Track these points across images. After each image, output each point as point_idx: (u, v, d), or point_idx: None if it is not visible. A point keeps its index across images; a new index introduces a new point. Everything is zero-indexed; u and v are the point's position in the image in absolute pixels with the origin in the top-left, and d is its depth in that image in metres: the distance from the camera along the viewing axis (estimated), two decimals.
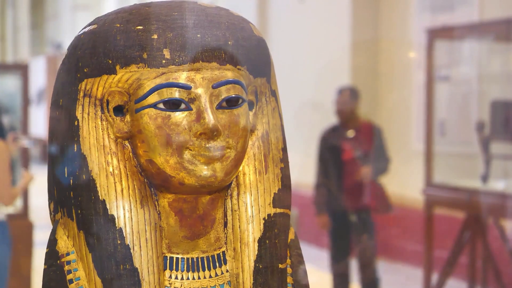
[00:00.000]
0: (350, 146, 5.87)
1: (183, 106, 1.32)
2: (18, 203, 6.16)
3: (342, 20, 8.82)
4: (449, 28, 6.86)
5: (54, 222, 1.40)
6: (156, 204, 1.37)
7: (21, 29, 23.48)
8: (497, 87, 7.11)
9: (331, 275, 6.10)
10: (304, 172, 7.28)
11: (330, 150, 5.94)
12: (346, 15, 8.78)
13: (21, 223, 5.98)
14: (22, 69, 6.74)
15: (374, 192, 5.92)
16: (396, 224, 7.39)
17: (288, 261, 1.46)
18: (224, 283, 1.40)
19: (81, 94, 1.35)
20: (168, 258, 1.38)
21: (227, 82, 1.34)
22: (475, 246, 6.03)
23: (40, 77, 17.05)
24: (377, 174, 5.91)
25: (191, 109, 1.32)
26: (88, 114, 1.35)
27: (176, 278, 1.38)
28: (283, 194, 1.44)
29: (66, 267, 1.35)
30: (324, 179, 5.97)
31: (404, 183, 6.19)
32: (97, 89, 1.35)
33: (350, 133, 5.92)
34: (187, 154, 1.32)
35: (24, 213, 6.25)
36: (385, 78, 8.58)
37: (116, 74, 1.33)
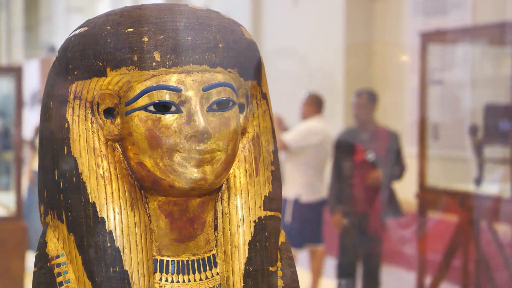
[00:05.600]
0: (362, 149, 5.88)
1: (173, 108, 1.31)
2: (12, 205, 6.14)
3: (335, 22, 8.83)
4: (442, 31, 6.87)
5: (44, 224, 1.40)
6: (146, 206, 1.37)
7: (15, 32, 23.43)
8: (490, 91, 7.13)
9: (336, 278, 6.10)
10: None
11: (345, 151, 5.95)
12: (340, 18, 8.79)
13: (14, 226, 5.96)
14: (15, 72, 6.70)
15: (384, 196, 5.93)
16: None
17: (279, 264, 1.45)
18: (214, 286, 1.40)
19: (72, 96, 1.35)
20: (158, 260, 1.37)
21: (218, 85, 1.33)
22: (468, 249, 6.04)
23: (34, 79, 17.00)
24: (390, 180, 5.92)
25: (182, 112, 1.31)
26: (79, 116, 1.35)
27: (166, 280, 1.37)
28: (274, 197, 1.43)
29: (56, 270, 1.35)
30: (337, 180, 5.98)
31: (397, 186, 6.19)
32: (88, 91, 1.34)
33: (365, 137, 5.94)
34: (177, 157, 1.32)
35: (17, 215, 6.23)
36: (378, 81, 8.59)
37: (107, 77, 1.33)
